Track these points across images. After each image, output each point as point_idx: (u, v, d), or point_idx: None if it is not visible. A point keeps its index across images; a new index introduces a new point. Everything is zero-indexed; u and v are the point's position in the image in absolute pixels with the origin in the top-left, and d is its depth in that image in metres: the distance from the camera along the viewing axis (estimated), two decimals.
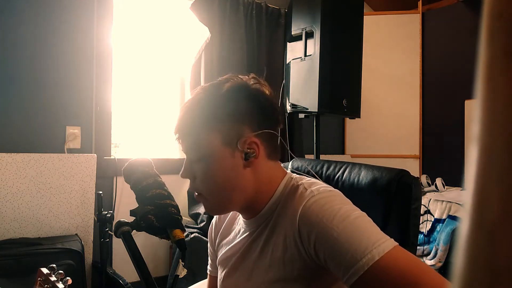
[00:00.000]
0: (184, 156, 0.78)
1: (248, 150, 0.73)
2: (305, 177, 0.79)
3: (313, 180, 0.77)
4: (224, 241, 0.89)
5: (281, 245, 0.72)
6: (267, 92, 0.78)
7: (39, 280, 0.82)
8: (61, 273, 0.82)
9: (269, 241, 0.75)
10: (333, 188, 0.73)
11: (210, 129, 0.73)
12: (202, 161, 0.74)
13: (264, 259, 0.75)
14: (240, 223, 0.85)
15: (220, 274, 0.87)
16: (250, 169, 0.74)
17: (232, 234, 0.87)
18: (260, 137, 0.74)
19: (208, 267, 1.00)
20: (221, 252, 0.88)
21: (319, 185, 0.73)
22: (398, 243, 0.63)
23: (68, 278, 0.81)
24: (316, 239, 0.65)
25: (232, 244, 0.84)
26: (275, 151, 0.78)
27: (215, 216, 0.97)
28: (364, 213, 0.67)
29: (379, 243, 0.60)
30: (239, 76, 0.78)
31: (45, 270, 0.82)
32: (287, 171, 0.82)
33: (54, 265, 0.84)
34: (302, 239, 0.68)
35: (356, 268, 0.59)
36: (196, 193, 0.78)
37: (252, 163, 0.74)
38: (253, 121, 0.74)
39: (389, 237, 0.63)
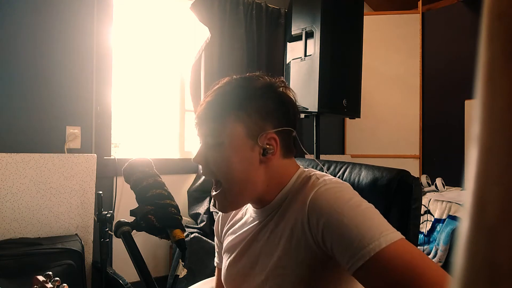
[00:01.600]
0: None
1: (267, 146, 0.75)
2: (317, 171, 0.81)
3: (325, 173, 0.79)
4: (231, 230, 0.90)
5: (288, 231, 0.73)
6: (291, 96, 0.81)
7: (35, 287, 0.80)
8: (57, 280, 0.79)
9: (277, 228, 0.76)
10: (344, 181, 0.75)
11: (237, 118, 0.75)
12: (220, 147, 0.75)
13: (270, 246, 0.76)
14: (249, 212, 0.86)
15: (225, 262, 0.87)
16: (265, 165, 0.76)
17: (240, 223, 0.88)
18: (279, 135, 0.76)
19: (215, 259, 1.00)
20: (228, 240, 0.89)
21: (331, 177, 0.76)
22: (404, 237, 0.64)
23: (64, 284, 0.79)
24: (324, 225, 0.66)
25: (239, 232, 0.85)
26: (290, 150, 0.80)
27: None
28: (373, 205, 0.69)
29: (387, 232, 0.62)
30: (269, 77, 0.81)
31: (40, 278, 0.80)
32: (300, 166, 0.83)
33: (50, 273, 0.81)
34: (310, 225, 0.69)
35: (362, 253, 0.60)
36: (215, 185, 0.78)
37: (268, 160, 0.76)
38: (275, 120, 0.76)
39: (396, 230, 0.64)
